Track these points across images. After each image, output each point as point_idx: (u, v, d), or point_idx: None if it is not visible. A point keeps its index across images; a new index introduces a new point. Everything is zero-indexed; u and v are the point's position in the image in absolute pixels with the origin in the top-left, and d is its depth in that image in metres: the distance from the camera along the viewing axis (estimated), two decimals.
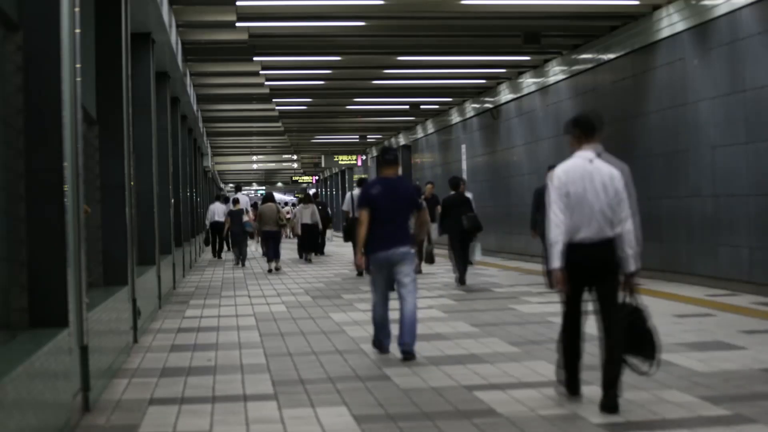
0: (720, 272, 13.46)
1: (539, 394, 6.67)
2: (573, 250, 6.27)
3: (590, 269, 6.33)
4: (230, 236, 25.55)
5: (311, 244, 24.90)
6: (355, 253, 9.28)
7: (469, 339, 9.45)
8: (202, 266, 24.47)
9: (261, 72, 20.17)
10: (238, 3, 14.03)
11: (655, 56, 15.28)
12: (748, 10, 12.65)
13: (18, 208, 5.99)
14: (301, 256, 25.30)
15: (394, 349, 8.60)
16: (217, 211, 27.04)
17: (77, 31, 6.69)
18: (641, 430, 5.60)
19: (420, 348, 8.94)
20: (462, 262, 15.41)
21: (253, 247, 33.44)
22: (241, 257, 23.92)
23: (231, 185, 71.18)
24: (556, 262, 6.27)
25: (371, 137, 38.90)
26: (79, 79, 6.66)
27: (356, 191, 22.05)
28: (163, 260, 13.98)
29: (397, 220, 8.58)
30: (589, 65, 17.88)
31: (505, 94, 23.09)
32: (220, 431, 5.96)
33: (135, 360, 8.93)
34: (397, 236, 8.51)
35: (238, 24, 15.25)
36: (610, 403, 6.09)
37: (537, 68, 20.71)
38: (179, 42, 16.75)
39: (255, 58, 18.49)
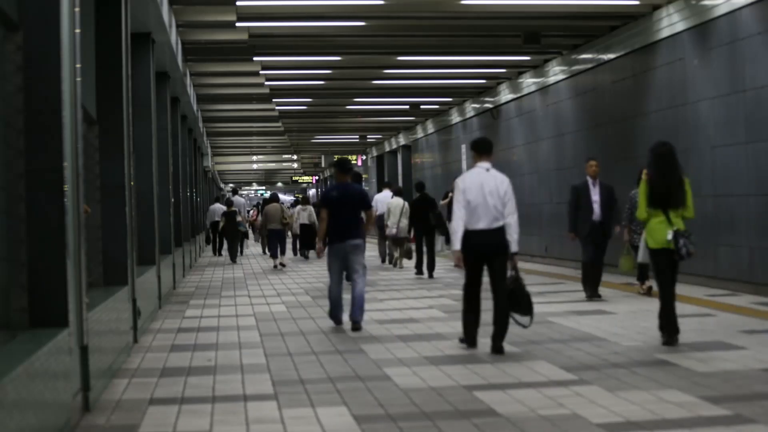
0: (720, 272, 13.46)
1: (539, 394, 6.67)
2: (474, 235, 8.57)
3: (486, 250, 8.61)
4: (225, 235, 27.19)
5: (309, 243, 25.28)
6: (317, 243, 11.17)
7: None
8: (202, 266, 24.48)
9: (261, 72, 20.17)
10: (238, 3, 14.03)
11: (655, 56, 15.28)
12: (748, 10, 12.65)
13: (18, 208, 5.99)
14: (295, 254, 26.94)
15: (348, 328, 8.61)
16: (217, 211, 28.43)
17: (77, 31, 6.69)
18: (641, 430, 5.60)
19: (420, 348, 8.96)
20: (429, 257, 17.65)
21: (253, 248, 33.50)
22: (233, 255, 25.81)
23: (231, 185, 71.25)
24: (458, 245, 8.55)
25: (371, 137, 38.91)
26: (79, 79, 6.66)
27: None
28: (163, 260, 13.98)
29: (350, 218, 10.63)
30: (589, 65, 17.88)
31: (505, 94, 23.09)
32: (220, 431, 5.96)
33: (135, 360, 8.93)
34: (350, 231, 10.56)
35: (238, 24, 15.25)
36: (498, 348, 8.45)
37: (537, 68, 20.71)
38: (179, 42, 16.75)
39: (255, 58, 18.49)
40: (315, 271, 20.12)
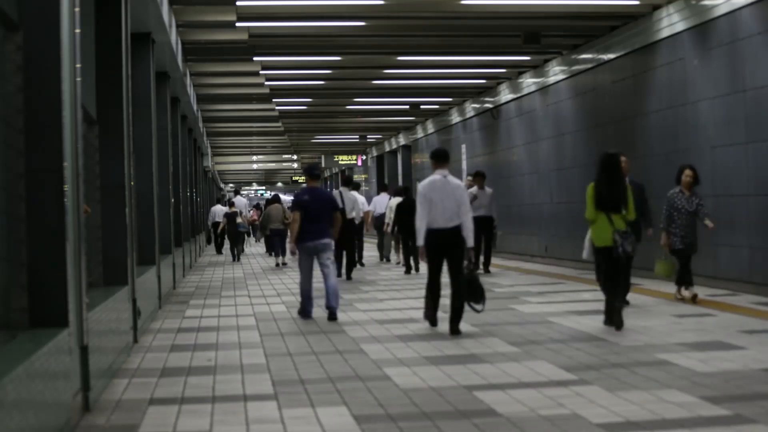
0: (720, 272, 13.45)
1: (539, 394, 6.67)
2: (433, 233, 9.85)
3: (445, 245, 9.86)
4: (226, 235, 28.13)
5: None
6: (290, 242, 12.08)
7: (469, 339, 9.45)
8: (202, 266, 24.48)
9: (261, 72, 20.17)
10: (238, 3, 14.03)
11: (655, 56, 15.28)
12: (748, 10, 12.65)
13: (18, 208, 5.99)
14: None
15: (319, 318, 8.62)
16: (218, 212, 29.33)
17: (77, 31, 6.69)
18: (641, 430, 5.60)
19: (420, 348, 8.96)
20: (414, 254, 18.45)
21: (253, 248, 33.54)
22: (236, 254, 26.66)
23: (231, 185, 71.18)
24: (421, 242, 9.91)
25: (371, 137, 38.90)
26: (79, 79, 6.66)
27: (353, 192, 22.21)
28: (163, 260, 13.98)
29: (320, 219, 11.55)
30: (589, 65, 17.89)
31: (505, 94, 23.09)
32: (220, 431, 5.96)
33: (135, 360, 8.93)
34: (321, 231, 11.50)
35: (238, 24, 15.25)
36: (455, 330, 9.69)
37: (537, 68, 20.71)
38: (179, 42, 16.75)
39: (255, 58, 18.49)
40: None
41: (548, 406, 6.32)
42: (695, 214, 11.84)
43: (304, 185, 12.28)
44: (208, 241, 31.74)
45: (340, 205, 17.49)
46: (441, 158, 10.17)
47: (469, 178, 19.15)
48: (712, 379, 7.00)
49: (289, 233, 12.94)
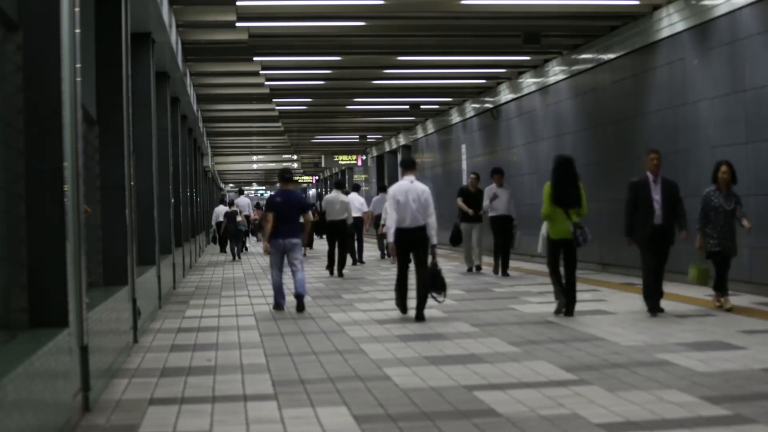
0: None
1: (539, 394, 6.67)
2: (401, 232, 11.08)
3: (411, 243, 11.11)
4: (226, 234, 29.11)
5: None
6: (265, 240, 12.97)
7: (469, 339, 9.45)
8: (202, 266, 24.48)
9: (261, 72, 20.17)
10: (238, 3, 14.03)
11: (655, 56, 15.28)
12: (748, 10, 12.66)
13: (18, 208, 5.99)
14: None
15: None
16: (221, 212, 29.83)
17: (77, 31, 6.68)
18: (641, 430, 5.60)
19: (420, 348, 8.96)
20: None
21: (254, 247, 33.57)
22: (236, 252, 27.61)
23: (231, 185, 71.15)
24: (391, 239, 11.12)
25: (371, 137, 38.90)
26: (79, 79, 6.66)
27: (353, 194, 22.37)
28: (163, 260, 13.98)
29: (291, 220, 12.63)
30: (589, 65, 17.89)
31: (505, 94, 23.09)
32: (220, 431, 5.96)
33: (135, 360, 8.93)
34: (291, 231, 12.60)
35: (238, 24, 15.25)
36: (419, 316, 10.95)
37: (537, 68, 20.71)
38: (179, 42, 16.75)
39: (255, 58, 18.49)
40: (315, 272, 20.12)
41: (548, 406, 6.32)
42: (733, 214, 10.98)
43: (278, 187, 13.15)
44: (213, 241, 32.81)
45: (321, 209, 19.75)
46: (408, 165, 11.52)
47: (473, 176, 18.80)
48: (712, 379, 7.00)
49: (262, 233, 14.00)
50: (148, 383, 7.69)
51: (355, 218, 20.84)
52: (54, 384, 5.50)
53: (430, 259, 11.16)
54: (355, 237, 21.77)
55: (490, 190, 17.45)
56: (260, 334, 10.45)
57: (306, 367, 8.16)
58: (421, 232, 11.02)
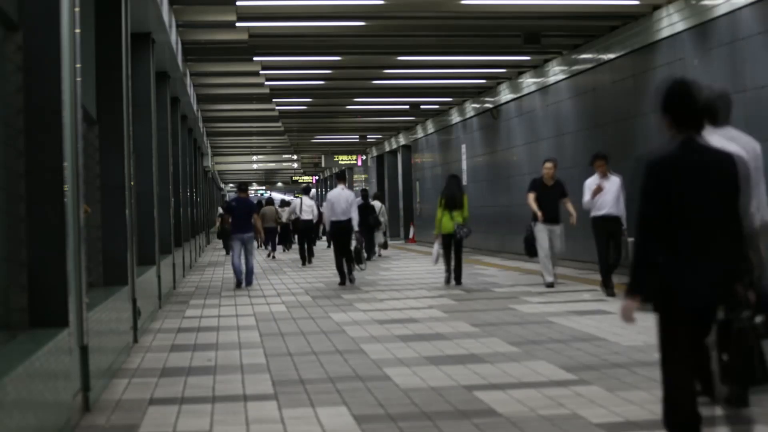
0: None
1: (539, 394, 6.67)
2: (334, 224, 16.32)
3: (339, 231, 16.23)
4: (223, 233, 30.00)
5: (287, 238, 30.53)
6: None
7: (469, 339, 9.46)
8: (202, 266, 24.48)
9: (261, 72, 20.16)
10: (238, 3, 14.02)
11: (655, 56, 15.28)
12: (748, 10, 12.65)
13: (18, 208, 5.99)
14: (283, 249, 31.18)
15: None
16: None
17: (77, 31, 6.69)
18: (641, 430, 5.61)
19: (420, 348, 8.97)
20: (368, 247, 22.13)
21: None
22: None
23: (231, 185, 71.12)
24: (328, 228, 16.64)
25: (371, 137, 38.89)
26: (79, 79, 6.66)
27: (355, 195, 22.62)
28: (163, 260, 13.98)
29: (245, 220, 17.03)
30: (589, 65, 17.89)
31: (505, 94, 23.09)
32: (220, 431, 5.96)
33: (135, 360, 8.93)
34: (245, 227, 17.01)
35: (238, 24, 15.24)
36: (351, 279, 16.61)
37: (537, 68, 20.71)
38: (179, 42, 16.75)
39: (255, 58, 18.48)
40: (315, 272, 20.13)
41: (548, 406, 6.32)
42: None
43: (236, 195, 18.02)
44: (218, 236, 33.92)
45: (298, 212, 23.71)
46: (340, 177, 17.97)
47: (548, 164, 14.59)
48: None
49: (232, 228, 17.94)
50: (148, 383, 7.69)
51: (305, 221, 23.39)
52: (54, 384, 5.50)
53: (354, 243, 16.44)
54: (310, 238, 23.83)
55: (592, 182, 13.22)
56: (260, 334, 10.45)
57: (306, 367, 8.17)
58: (346, 223, 16.21)
